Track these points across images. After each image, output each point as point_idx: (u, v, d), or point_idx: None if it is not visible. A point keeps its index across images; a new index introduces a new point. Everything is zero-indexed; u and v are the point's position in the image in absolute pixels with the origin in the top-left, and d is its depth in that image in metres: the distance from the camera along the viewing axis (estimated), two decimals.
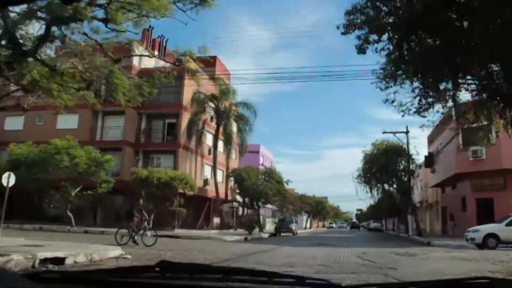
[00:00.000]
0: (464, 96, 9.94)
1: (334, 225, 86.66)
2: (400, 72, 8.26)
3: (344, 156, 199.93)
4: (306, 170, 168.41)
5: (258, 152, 59.69)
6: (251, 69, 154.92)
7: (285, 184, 36.30)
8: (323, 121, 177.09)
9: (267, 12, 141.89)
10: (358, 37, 7.72)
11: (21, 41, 8.32)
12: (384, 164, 29.37)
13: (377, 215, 64.20)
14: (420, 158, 32.26)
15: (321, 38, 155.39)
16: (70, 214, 23.63)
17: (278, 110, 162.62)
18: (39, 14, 8.19)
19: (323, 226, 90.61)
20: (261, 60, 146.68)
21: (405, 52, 7.48)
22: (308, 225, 67.02)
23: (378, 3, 7.30)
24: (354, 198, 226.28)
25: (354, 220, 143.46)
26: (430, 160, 31.65)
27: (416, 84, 8.58)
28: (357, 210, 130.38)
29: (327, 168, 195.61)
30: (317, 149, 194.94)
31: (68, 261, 8.35)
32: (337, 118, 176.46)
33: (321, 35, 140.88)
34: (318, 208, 60.25)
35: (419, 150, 78.67)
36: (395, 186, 32.36)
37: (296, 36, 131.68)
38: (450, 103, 9.60)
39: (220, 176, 35.66)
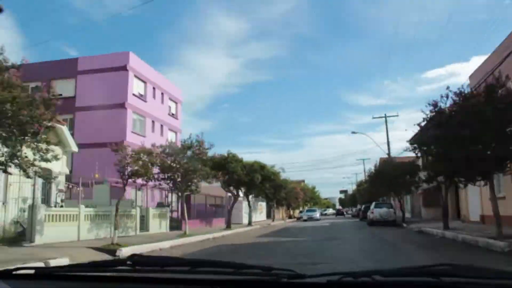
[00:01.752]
0: None
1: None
2: None
3: (325, 143, 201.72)
4: (288, 159, 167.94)
5: (124, 68, 28.25)
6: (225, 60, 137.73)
7: None
8: (302, 109, 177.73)
9: (239, 1, 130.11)
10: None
11: None
12: None
13: (377, 193, 34.31)
14: None
15: (295, 26, 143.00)
16: None
17: (257, 100, 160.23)
18: None
19: (291, 217, 60.37)
20: (235, 50, 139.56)
21: None
22: (257, 217, 36.82)
23: None
24: (337, 184, 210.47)
25: (338, 206, 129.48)
26: None
27: None
28: (341, 192, 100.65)
29: (308, 155, 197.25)
30: (298, 138, 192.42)
31: None
32: (315, 105, 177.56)
33: (294, 23, 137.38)
34: (253, 181, 28.42)
35: None
36: None
37: (269, 25, 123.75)
38: None
39: None
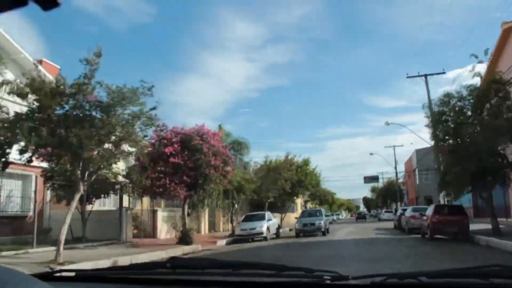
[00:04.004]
0: None
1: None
2: None
3: (346, 145, 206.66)
4: (312, 162, 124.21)
5: None
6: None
7: None
8: (322, 113, 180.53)
9: (255, 7, 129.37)
10: None
11: None
12: None
13: None
14: None
15: (310, 30, 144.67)
16: None
17: (277, 104, 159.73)
18: None
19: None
20: (253, 55, 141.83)
21: None
22: None
23: None
24: (360, 187, 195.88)
25: (362, 209, 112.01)
26: None
27: None
28: (368, 180, 59.00)
29: (331, 159, 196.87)
30: (320, 141, 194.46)
31: None
32: (335, 108, 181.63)
33: (310, 27, 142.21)
34: None
35: None
36: None
37: (286, 29, 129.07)
38: None
39: None
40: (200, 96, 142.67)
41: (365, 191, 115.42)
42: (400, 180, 57.51)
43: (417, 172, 50.83)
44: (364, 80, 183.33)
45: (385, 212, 52.30)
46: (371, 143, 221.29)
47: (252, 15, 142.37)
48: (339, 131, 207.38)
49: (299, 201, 52.16)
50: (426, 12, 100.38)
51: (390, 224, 33.11)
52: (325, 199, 60.47)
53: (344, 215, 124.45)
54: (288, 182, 28.92)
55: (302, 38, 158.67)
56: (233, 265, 1.70)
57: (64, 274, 1.75)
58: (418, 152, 50.32)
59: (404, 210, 26.08)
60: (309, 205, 63.62)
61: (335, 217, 58.09)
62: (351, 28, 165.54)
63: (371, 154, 51.90)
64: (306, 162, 32.78)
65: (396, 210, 57.00)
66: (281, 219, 33.97)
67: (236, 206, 24.02)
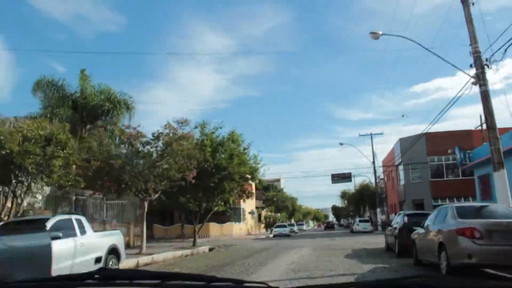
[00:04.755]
0: None
1: None
2: None
3: (316, 156, 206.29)
4: (280, 173, 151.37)
5: None
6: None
7: None
8: (292, 124, 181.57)
9: (225, 19, 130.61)
10: None
11: None
12: None
13: None
14: None
15: (280, 43, 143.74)
16: None
17: (247, 116, 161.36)
18: None
19: None
20: (222, 67, 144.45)
21: None
22: None
23: None
24: (329, 196, 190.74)
25: (331, 218, 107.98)
26: None
27: None
28: (336, 178, 45.55)
29: (300, 169, 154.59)
30: (288, 151, 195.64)
31: None
32: (304, 120, 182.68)
33: (279, 40, 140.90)
34: None
35: None
36: None
37: (255, 42, 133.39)
38: None
39: None
40: (168, 105, 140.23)
41: (335, 200, 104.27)
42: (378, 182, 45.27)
43: (401, 168, 38.51)
44: (334, 92, 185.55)
45: (360, 221, 39.43)
46: (340, 154, 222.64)
47: (222, 27, 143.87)
48: (308, 142, 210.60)
49: (246, 205, 38.70)
50: (395, 26, 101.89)
51: (372, 240, 20.25)
52: (284, 206, 47.26)
53: (311, 225, 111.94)
54: (192, 165, 15.31)
55: (271, 50, 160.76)
56: (162, 276, 1.66)
57: None
58: (403, 141, 38.09)
59: (413, 215, 12.96)
60: (263, 212, 50.16)
61: (295, 228, 44.84)
62: (321, 41, 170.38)
63: (340, 144, 39.31)
64: (233, 137, 19.22)
65: (371, 219, 44.57)
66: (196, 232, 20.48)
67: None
